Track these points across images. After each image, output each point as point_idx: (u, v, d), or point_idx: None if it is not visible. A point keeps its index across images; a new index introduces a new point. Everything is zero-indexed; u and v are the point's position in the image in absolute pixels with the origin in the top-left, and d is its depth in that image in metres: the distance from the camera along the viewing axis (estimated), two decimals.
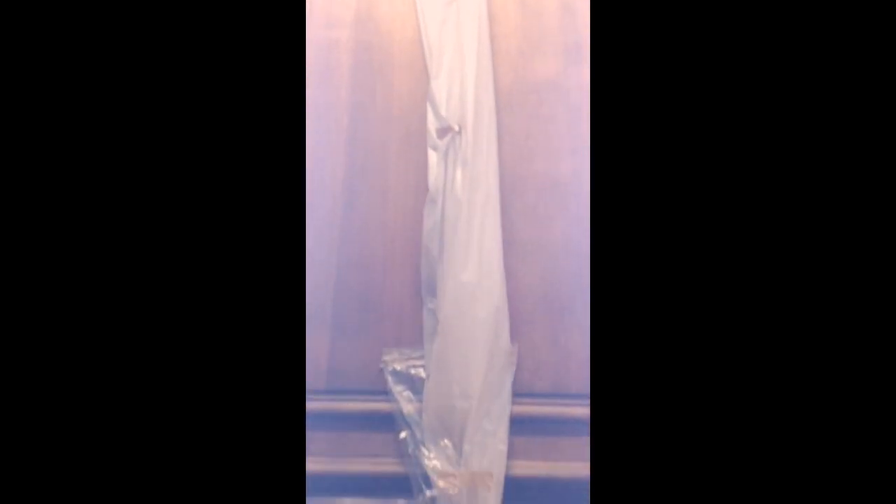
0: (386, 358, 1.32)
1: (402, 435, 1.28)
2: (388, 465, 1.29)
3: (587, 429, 1.24)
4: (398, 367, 1.31)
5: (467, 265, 1.29)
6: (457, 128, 1.33)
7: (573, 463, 1.27)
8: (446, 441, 1.26)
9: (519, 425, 1.28)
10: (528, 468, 1.28)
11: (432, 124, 1.35)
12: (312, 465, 1.24)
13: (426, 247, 1.32)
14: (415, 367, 1.31)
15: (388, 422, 1.29)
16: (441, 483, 1.24)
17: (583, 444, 1.26)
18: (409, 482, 1.26)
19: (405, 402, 1.29)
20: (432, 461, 1.25)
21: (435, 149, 1.34)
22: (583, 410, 1.27)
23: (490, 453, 1.26)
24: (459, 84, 1.36)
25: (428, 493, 1.25)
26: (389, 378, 1.30)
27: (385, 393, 1.30)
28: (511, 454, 1.26)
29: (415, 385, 1.30)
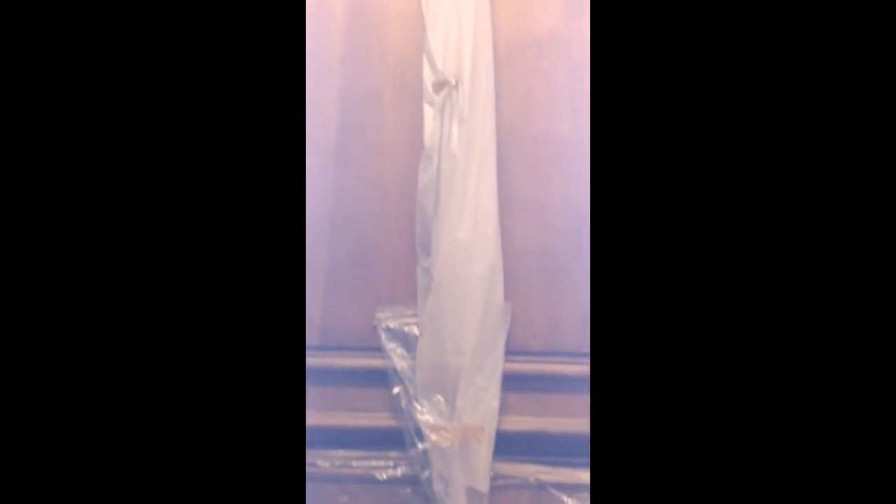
0: (379, 315, 1.33)
1: (396, 390, 1.30)
2: (381, 420, 1.31)
3: (579, 386, 1.25)
4: (392, 324, 1.32)
5: (462, 222, 1.28)
6: (454, 82, 1.30)
7: (565, 419, 1.29)
8: (439, 396, 1.27)
9: (511, 382, 1.29)
10: (520, 423, 1.30)
11: (428, 78, 1.32)
12: (307, 418, 1.25)
13: (421, 204, 1.30)
14: (408, 324, 1.31)
15: (382, 378, 1.31)
16: (433, 436, 1.26)
17: (575, 401, 1.28)
18: (402, 436, 1.29)
19: (398, 358, 1.30)
20: (425, 416, 1.27)
21: (431, 103, 1.32)
22: (575, 368, 1.29)
23: (482, 409, 1.27)
24: (457, 36, 1.32)
25: (420, 446, 1.27)
26: (383, 335, 1.31)
27: (378, 350, 1.31)
28: (503, 410, 1.28)
29: (408, 342, 1.31)
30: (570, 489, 1.27)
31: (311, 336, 1.30)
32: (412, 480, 1.27)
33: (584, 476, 1.25)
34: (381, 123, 1.35)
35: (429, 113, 1.32)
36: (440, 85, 1.31)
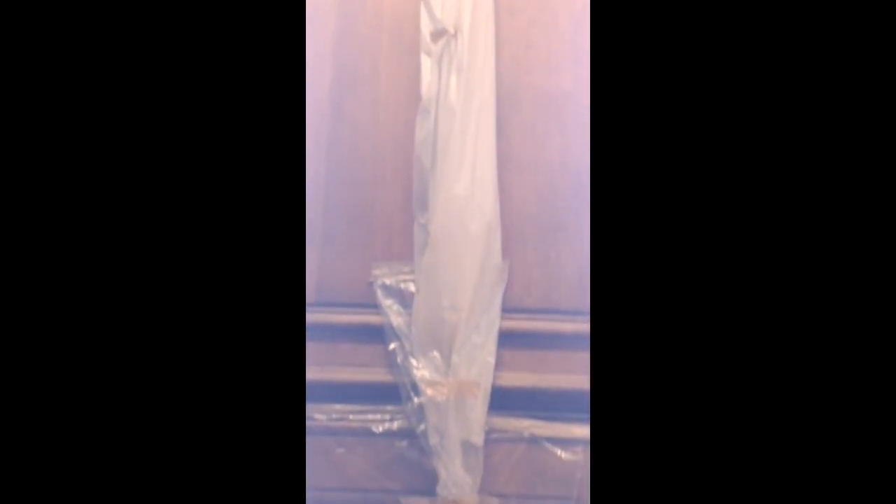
0: (375, 272, 1.32)
1: (392, 346, 1.30)
2: (377, 375, 1.31)
3: (575, 343, 1.26)
4: (388, 281, 1.31)
5: (460, 178, 1.26)
6: (452, 31, 1.26)
7: (559, 375, 1.30)
8: (435, 353, 1.28)
9: (507, 339, 1.30)
10: (515, 379, 1.31)
11: (426, 27, 1.28)
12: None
13: (418, 158, 1.28)
14: (405, 281, 1.31)
15: (378, 334, 1.31)
16: (429, 391, 1.27)
17: (570, 358, 1.29)
18: (398, 391, 1.30)
19: (395, 314, 1.30)
20: (421, 371, 1.28)
21: (429, 54, 1.28)
22: (572, 326, 1.29)
23: (478, 364, 1.28)
24: None
25: (416, 400, 1.28)
26: (379, 292, 1.31)
27: (374, 306, 1.31)
28: (498, 366, 1.29)
29: (404, 299, 1.30)
30: (563, 443, 1.29)
31: (307, 292, 1.29)
32: (408, 434, 1.29)
33: (577, 431, 1.27)
34: (376, 75, 1.32)
35: (426, 64, 1.28)
36: (438, 34, 1.27)
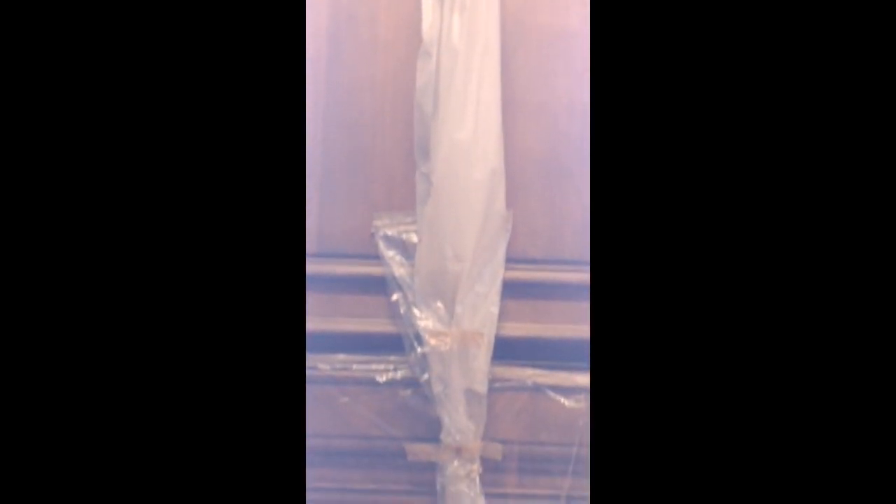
0: (377, 223, 1.29)
1: (394, 297, 1.29)
2: (380, 325, 1.31)
3: (579, 293, 1.25)
4: (389, 232, 1.29)
5: (463, 123, 1.22)
6: None
7: (564, 325, 1.29)
8: (438, 303, 1.27)
9: (511, 290, 1.29)
10: (519, 329, 1.30)
11: None
12: (307, 324, 1.25)
13: (419, 104, 1.23)
14: (407, 231, 1.28)
15: (380, 285, 1.29)
16: (432, 341, 1.27)
17: (574, 308, 1.28)
18: (401, 341, 1.29)
19: (397, 265, 1.29)
20: (424, 321, 1.27)
21: None
22: (576, 276, 1.27)
23: (481, 315, 1.27)
24: None
25: (419, 350, 1.28)
26: (381, 243, 1.29)
27: (376, 257, 1.29)
28: (502, 316, 1.28)
29: (406, 250, 1.29)
30: (566, 391, 1.29)
31: (308, 242, 1.27)
32: (412, 383, 1.29)
33: (581, 379, 1.27)
34: (374, 16, 1.26)
35: (427, 3, 1.22)
36: None
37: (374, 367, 1.31)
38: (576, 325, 1.27)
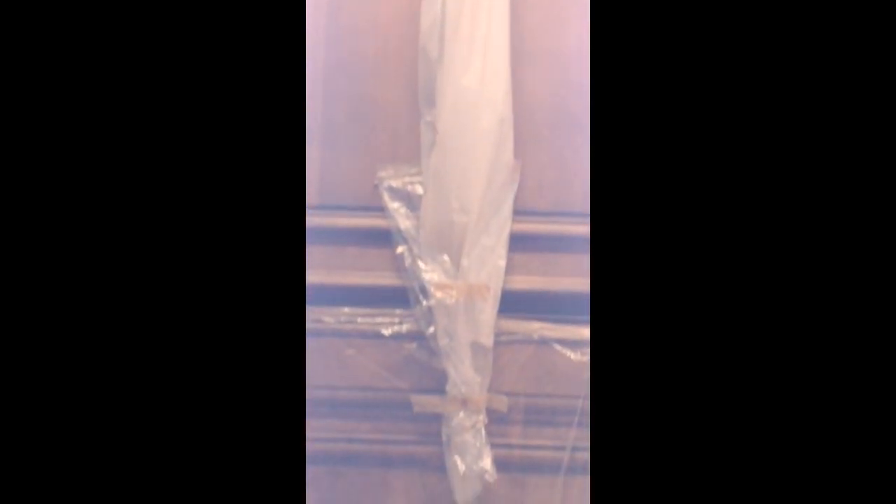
0: (381, 174, 1.27)
1: (399, 250, 1.28)
2: (385, 278, 1.30)
3: (587, 246, 1.22)
4: (394, 183, 1.27)
5: (470, 68, 1.18)
6: None
7: (570, 278, 1.28)
8: (444, 256, 1.25)
9: (518, 242, 1.27)
10: (526, 282, 1.29)
11: None
12: (310, 276, 1.24)
13: (424, 48, 1.19)
14: (412, 183, 1.26)
15: (385, 237, 1.28)
16: (438, 294, 1.26)
17: (582, 261, 1.26)
18: (407, 294, 1.28)
19: (402, 218, 1.27)
20: (430, 274, 1.26)
21: None
22: (584, 228, 1.25)
23: (488, 268, 1.26)
24: None
25: (425, 303, 1.27)
26: (385, 195, 1.26)
27: (380, 209, 1.27)
28: (509, 269, 1.26)
29: (412, 202, 1.26)
30: (572, 344, 1.28)
31: (310, 195, 1.25)
32: (417, 336, 1.29)
33: (586, 333, 1.26)
34: None
35: None
36: None
37: (379, 320, 1.30)
38: (583, 278, 1.25)
